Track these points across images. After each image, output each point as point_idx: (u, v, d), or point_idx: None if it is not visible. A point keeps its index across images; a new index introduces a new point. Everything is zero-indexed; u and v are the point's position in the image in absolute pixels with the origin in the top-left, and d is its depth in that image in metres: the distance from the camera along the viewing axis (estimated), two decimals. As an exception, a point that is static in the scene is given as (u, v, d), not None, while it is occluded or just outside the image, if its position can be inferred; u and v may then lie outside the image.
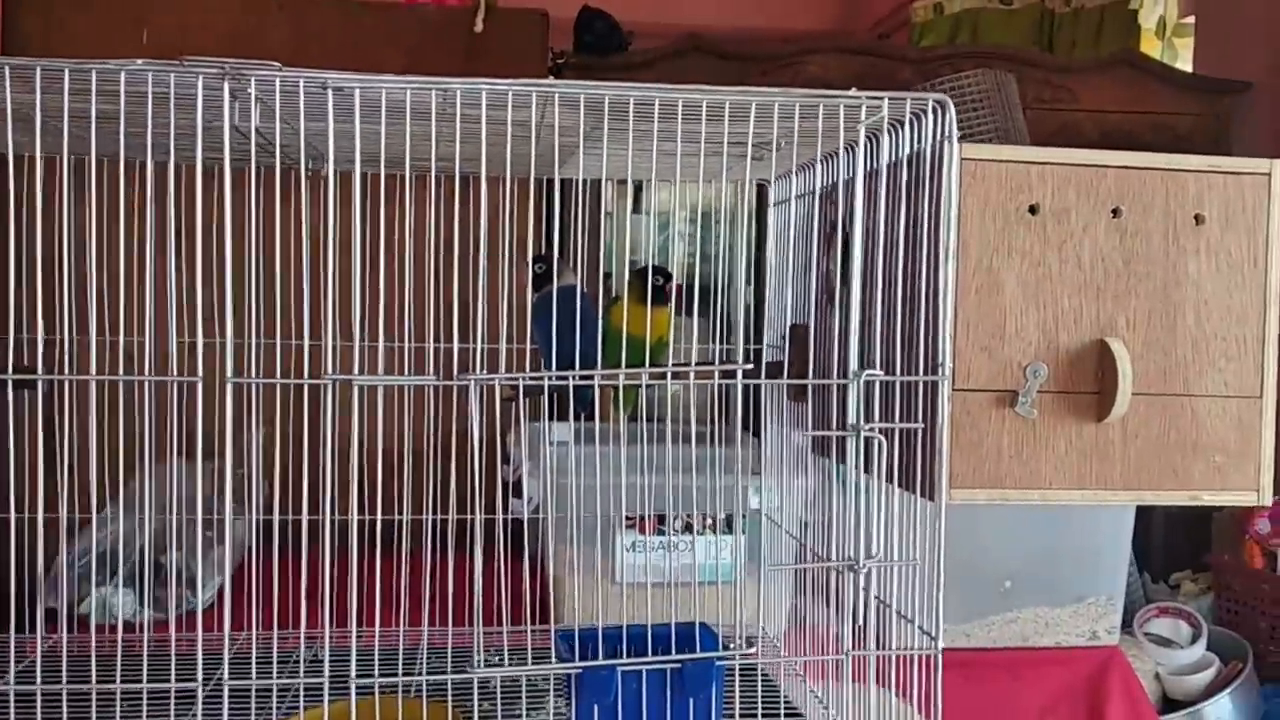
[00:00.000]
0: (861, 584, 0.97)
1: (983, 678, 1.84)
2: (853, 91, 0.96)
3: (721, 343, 1.76)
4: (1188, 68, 3.01)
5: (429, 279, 1.09)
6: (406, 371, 0.98)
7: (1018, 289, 1.01)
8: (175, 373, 0.93)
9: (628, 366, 1.24)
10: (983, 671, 1.84)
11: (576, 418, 1.71)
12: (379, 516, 1.33)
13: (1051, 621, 1.87)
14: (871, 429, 0.96)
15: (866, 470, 0.97)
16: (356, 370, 0.92)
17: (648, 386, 1.20)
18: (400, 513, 1.34)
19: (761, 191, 1.53)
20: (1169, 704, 2.09)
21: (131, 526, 1.65)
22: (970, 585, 1.82)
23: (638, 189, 2.63)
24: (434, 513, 1.29)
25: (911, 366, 0.99)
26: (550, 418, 1.84)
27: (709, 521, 1.74)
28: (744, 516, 1.71)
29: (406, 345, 1.01)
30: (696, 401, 1.64)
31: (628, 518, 1.75)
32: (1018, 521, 1.86)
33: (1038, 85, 2.62)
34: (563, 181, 1.76)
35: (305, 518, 1.17)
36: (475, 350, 1.07)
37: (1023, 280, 1.01)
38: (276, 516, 1.29)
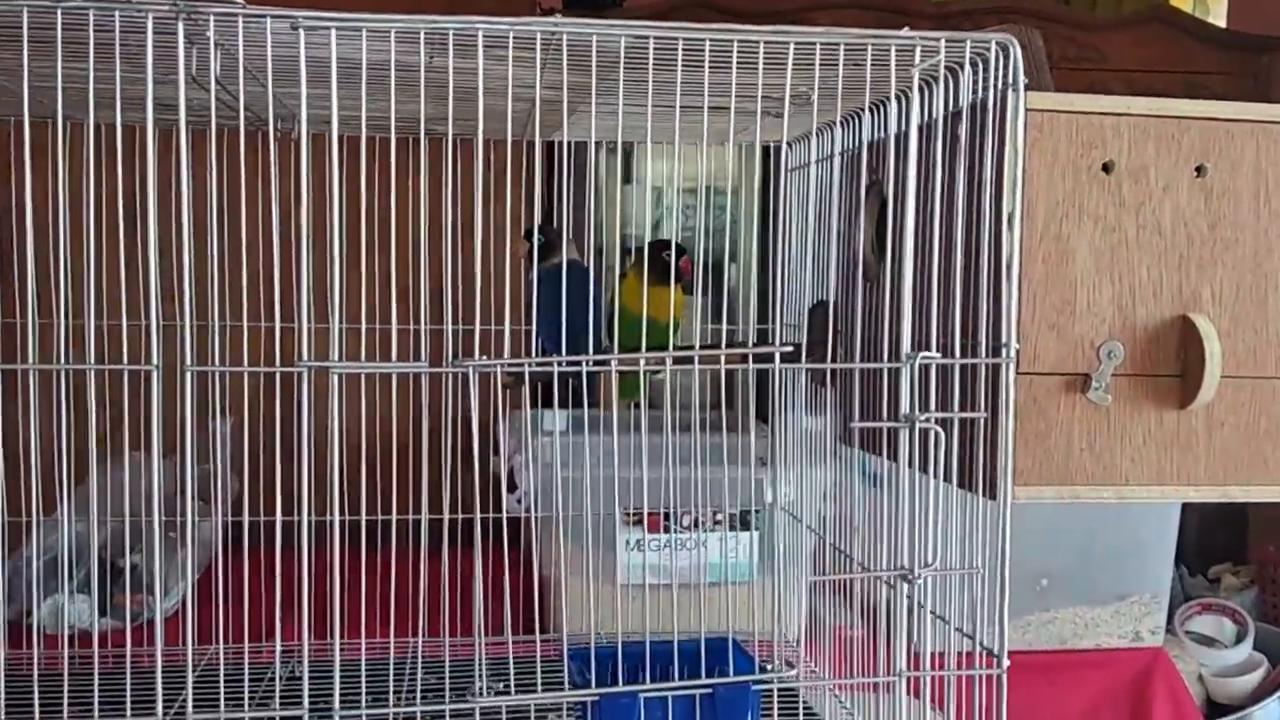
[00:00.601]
0: (917, 596, 0.88)
1: (1017, 682, 1.75)
2: (906, 31, 0.86)
3: (723, 323, 1.67)
4: (1221, 24, 2.92)
5: (413, 253, 1.00)
6: (392, 357, 0.89)
7: (1090, 258, 0.92)
8: (128, 359, 0.84)
9: (638, 350, 1.15)
10: (1017, 676, 1.75)
11: (579, 405, 1.62)
12: (362, 517, 1.23)
13: (1091, 622, 1.78)
14: (928, 419, 0.87)
15: (921, 467, 0.88)
16: (335, 356, 0.82)
17: (649, 371, 1.11)
18: (385, 511, 1.24)
19: (768, 156, 1.44)
20: (1213, 708, 2.01)
21: (86, 528, 1.56)
22: (1004, 583, 1.73)
23: (626, 156, 2.53)
24: (423, 511, 1.20)
25: (970, 348, 0.90)
26: (542, 404, 1.76)
27: (718, 517, 1.65)
28: (757, 511, 1.62)
29: (392, 328, 0.91)
30: (699, 386, 1.55)
31: (629, 513, 1.66)
32: (1053, 514, 1.77)
33: (1062, 43, 2.52)
34: (545, 149, 1.67)
35: (279, 518, 1.08)
36: (458, 333, 0.98)
37: (1095, 248, 0.92)
38: (246, 518, 1.20)
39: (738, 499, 1.56)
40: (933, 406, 0.87)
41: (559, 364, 0.85)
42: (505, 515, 1.58)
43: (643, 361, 0.89)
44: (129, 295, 0.84)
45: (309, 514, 0.94)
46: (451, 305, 0.85)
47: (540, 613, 1.57)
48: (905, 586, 0.88)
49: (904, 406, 0.87)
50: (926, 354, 0.86)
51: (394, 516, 1.29)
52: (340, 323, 0.82)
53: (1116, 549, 1.79)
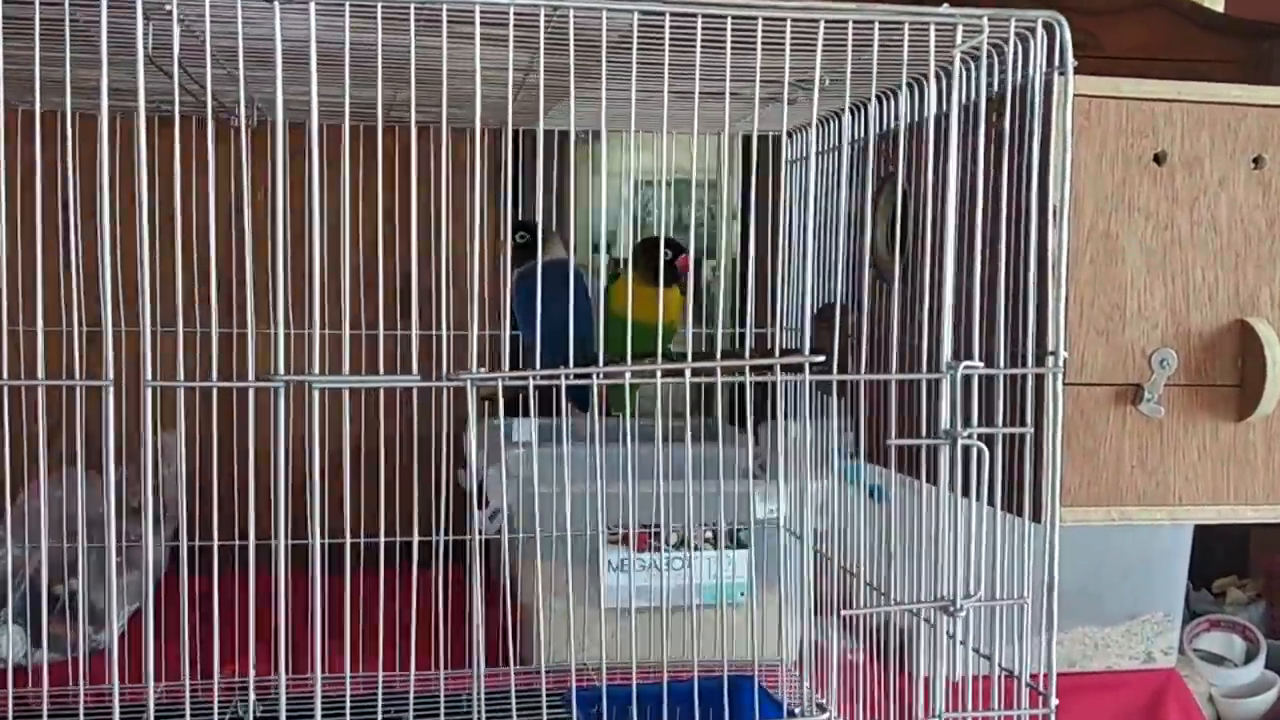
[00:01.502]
0: (960, 631, 0.84)
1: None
2: (945, 9, 0.82)
3: (702, 325, 1.62)
4: (1219, 8, 2.91)
5: (394, 254, 0.94)
6: (379, 368, 0.83)
7: (1140, 257, 0.88)
8: (80, 374, 0.77)
9: (634, 357, 1.10)
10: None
11: (547, 414, 1.57)
12: (324, 539, 1.17)
13: (1101, 642, 1.75)
14: (970, 436, 0.82)
15: (964, 488, 0.84)
16: (314, 368, 0.77)
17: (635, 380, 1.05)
18: (361, 533, 1.18)
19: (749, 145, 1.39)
20: (1225, 730, 1.99)
21: (21, 551, 1.49)
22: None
23: (593, 146, 2.48)
24: (414, 532, 1.14)
25: (1013, 356, 0.85)
26: (506, 413, 1.70)
27: (707, 535, 1.60)
28: (743, 528, 1.58)
29: (379, 334, 0.86)
30: (676, 394, 1.50)
31: (613, 531, 1.61)
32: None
33: (1056, 28, 2.50)
34: (515, 141, 1.61)
35: (241, 543, 1.02)
36: (448, 339, 0.93)
37: (1146, 247, 0.88)
38: (216, 542, 1.13)
39: (731, 514, 1.52)
40: (975, 420, 0.83)
41: (565, 376, 0.80)
42: (481, 536, 1.52)
43: (659, 375, 0.84)
44: (74, 301, 0.78)
45: (285, 538, 0.88)
46: (443, 310, 0.80)
47: (520, 641, 1.52)
48: (945, 620, 0.83)
49: (944, 421, 0.82)
50: (969, 363, 0.82)
51: (357, 539, 1.23)
52: (317, 329, 0.76)
53: (1126, 565, 1.76)
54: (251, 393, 0.77)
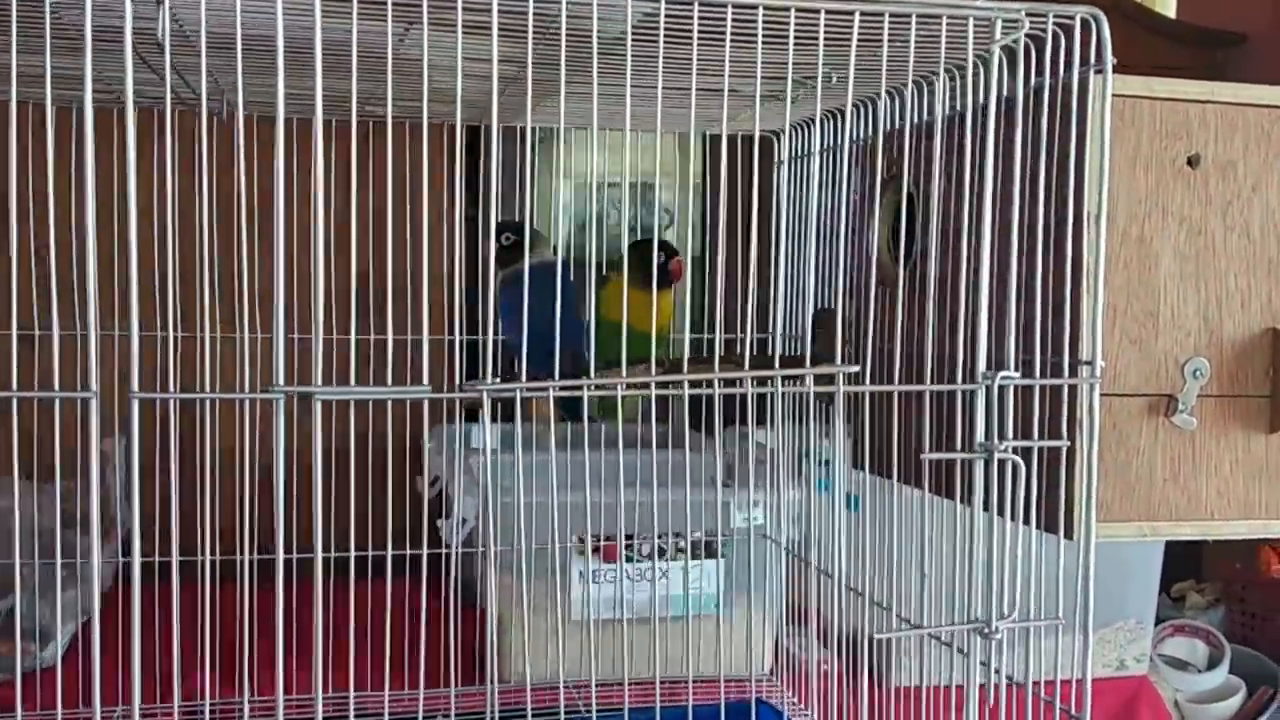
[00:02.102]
0: (994, 654, 0.80)
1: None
2: (982, 1, 0.78)
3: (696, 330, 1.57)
4: (1170, 15, 2.92)
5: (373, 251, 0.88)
6: (388, 378, 0.77)
7: (1174, 264, 0.84)
8: (59, 384, 0.71)
9: (632, 362, 1.05)
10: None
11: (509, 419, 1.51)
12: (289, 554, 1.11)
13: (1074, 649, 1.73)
14: (1006, 449, 0.78)
15: (991, 504, 0.80)
16: (319, 380, 0.71)
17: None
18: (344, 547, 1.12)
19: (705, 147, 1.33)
20: (1190, 736, 1.98)
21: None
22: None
23: (548, 145, 2.41)
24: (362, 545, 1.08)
25: (1046, 365, 0.82)
26: (465, 418, 1.64)
27: (680, 545, 1.55)
28: (722, 538, 1.53)
29: (388, 339, 0.79)
30: (643, 399, 1.44)
31: (583, 540, 1.55)
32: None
33: (1013, 33, 2.49)
34: (471, 138, 1.55)
35: (218, 557, 0.96)
36: (453, 345, 0.87)
37: (1179, 253, 0.84)
38: (204, 557, 1.06)
39: (703, 523, 1.47)
40: (1011, 434, 0.79)
41: (589, 387, 0.74)
42: (448, 546, 1.46)
43: (686, 384, 0.79)
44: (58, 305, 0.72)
45: (281, 553, 0.82)
46: (452, 315, 0.74)
47: (490, 655, 1.46)
48: (980, 643, 0.79)
49: (979, 434, 0.78)
50: (1007, 374, 0.78)
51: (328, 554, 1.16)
52: (319, 336, 0.70)
53: (1099, 570, 1.74)
54: (284, 401, 0.71)
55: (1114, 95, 0.82)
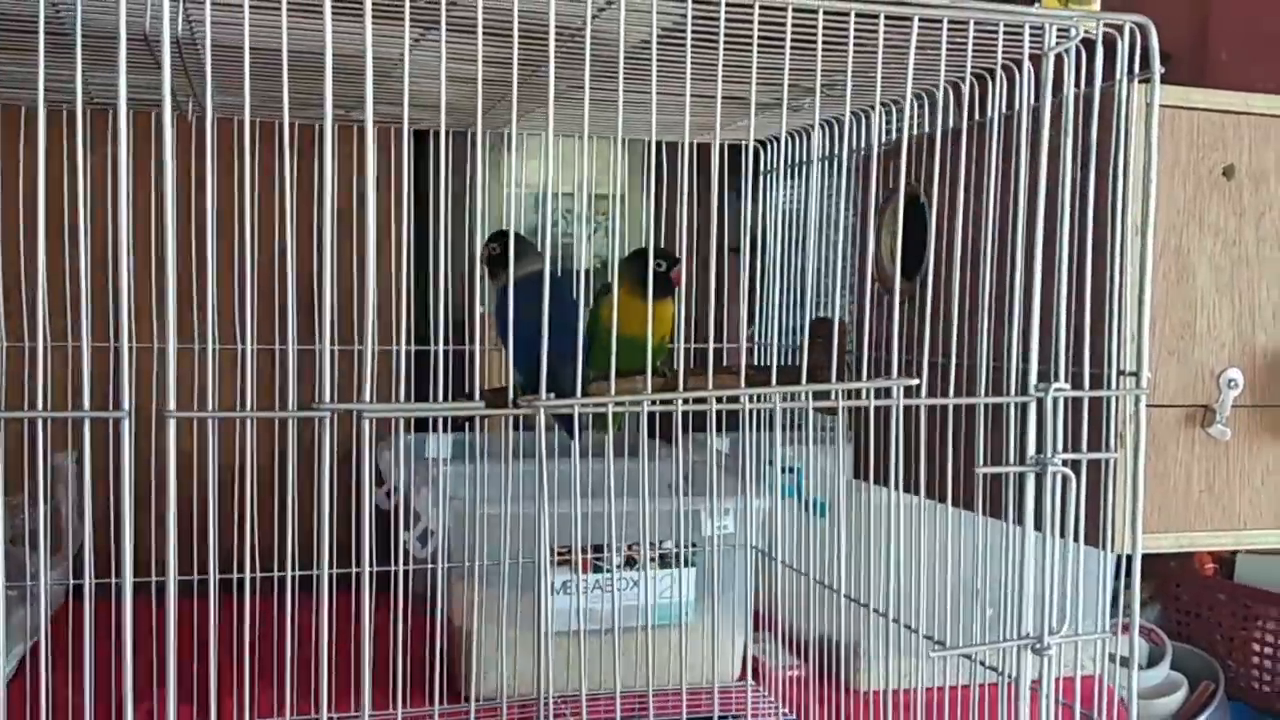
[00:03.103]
0: (1046, 670, 0.78)
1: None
2: (1038, 8, 0.75)
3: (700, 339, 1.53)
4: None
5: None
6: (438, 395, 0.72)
7: (1210, 275, 0.83)
8: (89, 403, 0.65)
9: (624, 374, 1.01)
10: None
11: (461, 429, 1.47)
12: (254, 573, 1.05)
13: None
14: (1057, 462, 0.76)
15: (1009, 515, 0.77)
16: (369, 396, 0.66)
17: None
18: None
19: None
20: (1134, 732, 1.99)
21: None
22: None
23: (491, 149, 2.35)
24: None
25: (1081, 377, 0.80)
26: (416, 428, 1.58)
27: (652, 554, 1.52)
28: (693, 547, 1.50)
29: (445, 351, 0.75)
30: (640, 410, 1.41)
31: (556, 551, 1.51)
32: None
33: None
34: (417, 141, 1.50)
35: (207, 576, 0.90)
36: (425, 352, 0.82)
37: (1215, 264, 0.83)
38: (195, 576, 1.00)
39: (671, 532, 1.44)
40: (1060, 446, 0.77)
41: (650, 402, 0.70)
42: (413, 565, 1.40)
43: (744, 398, 0.75)
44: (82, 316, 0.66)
45: (294, 570, 0.77)
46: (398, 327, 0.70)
47: (450, 670, 1.41)
48: (1031, 659, 0.77)
49: (1030, 447, 0.76)
50: (1059, 386, 0.76)
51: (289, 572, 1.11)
52: (370, 348, 0.65)
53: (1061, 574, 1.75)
54: (330, 419, 0.65)
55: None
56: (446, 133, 1.10)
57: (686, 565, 1.50)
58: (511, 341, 0.93)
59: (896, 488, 1.01)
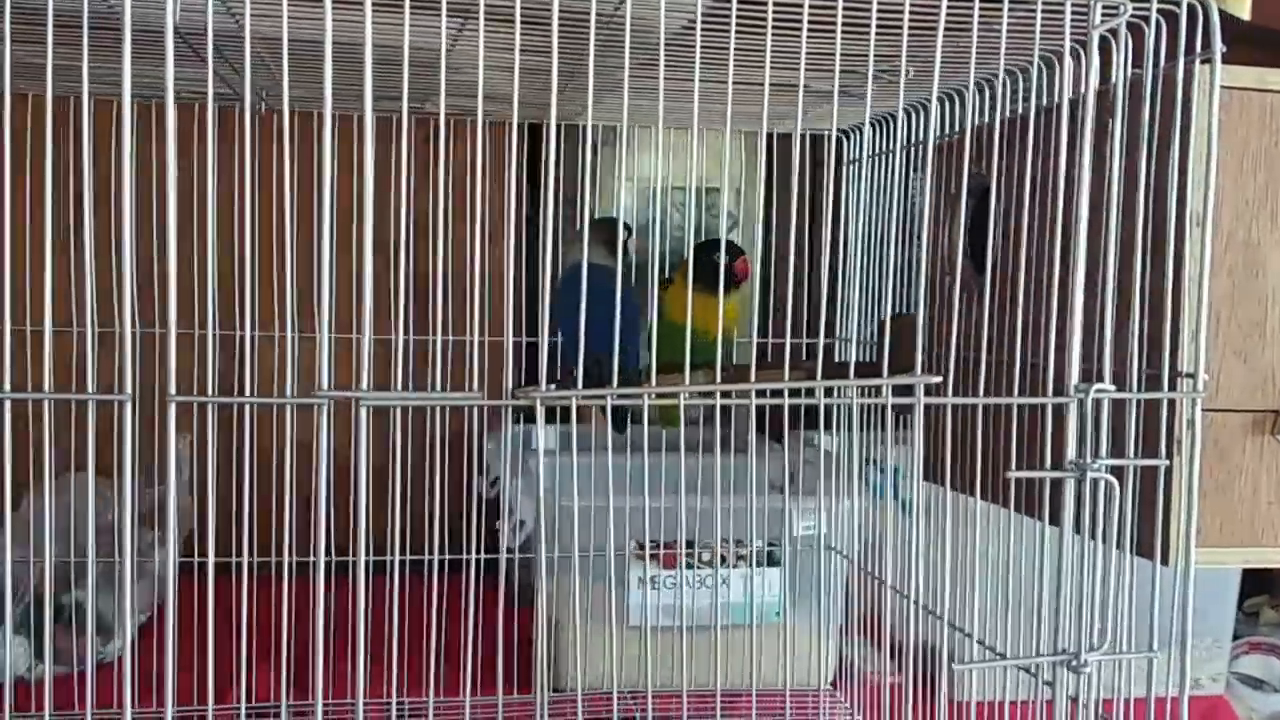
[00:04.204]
0: (1084, 688, 0.72)
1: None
2: (1081, -15, 0.70)
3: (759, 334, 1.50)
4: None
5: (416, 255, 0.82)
6: (431, 382, 0.71)
7: (1283, 270, 0.76)
8: (92, 381, 0.65)
9: (692, 368, 0.98)
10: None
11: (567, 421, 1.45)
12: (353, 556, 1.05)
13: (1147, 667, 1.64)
14: (1100, 468, 0.70)
15: (1078, 525, 0.72)
16: (366, 384, 0.65)
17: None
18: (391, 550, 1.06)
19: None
20: (1265, 757, 1.87)
21: (25, 559, 1.37)
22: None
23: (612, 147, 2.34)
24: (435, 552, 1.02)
25: (1141, 378, 0.74)
26: (525, 419, 1.57)
27: (740, 552, 1.48)
28: (780, 545, 1.46)
29: (443, 342, 0.74)
30: (703, 406, 1.38)
31: (641, 546, 1.49)
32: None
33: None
34: (533, 137, 1.49)
35: (289, 558, 0.91)
36: (465, 348, 0.80)
37: (1290, 258, 0.76)
38: (277, 558, 1.01)
39: (764, 530, 1.40)
40: (1104, 451, 0.71)
41: (649, 395, 0.68)
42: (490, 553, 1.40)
43: (771, 393, 0.72)
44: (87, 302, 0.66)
45: (325, 555, 0.77)
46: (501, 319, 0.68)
47: (547, 660, 1.40)
48: (1068, 676, 0.72)
49: (1071, 451, 0.71)
50: (1102, 386, 0.70)
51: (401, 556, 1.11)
52: (368, 338, 0.64)
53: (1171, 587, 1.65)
54: (328, 407, 0.65)
55: (1222, 87, 0.75)
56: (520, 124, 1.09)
57: (769, 565, 1.47)
58: (561, 333, 0.91)
59: (956, 488, 0.96)
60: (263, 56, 0.84)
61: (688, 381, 0.70)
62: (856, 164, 1.23)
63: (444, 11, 0.69)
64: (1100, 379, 0.71)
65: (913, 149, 1.09)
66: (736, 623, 1.42)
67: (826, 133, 1.10)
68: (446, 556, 0.96)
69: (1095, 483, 0.70)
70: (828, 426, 1.23)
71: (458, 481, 1.17)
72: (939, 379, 0.69)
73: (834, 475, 1.26)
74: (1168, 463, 0.72)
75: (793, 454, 1.38)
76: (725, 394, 0.90)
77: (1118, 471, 0.72)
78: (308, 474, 0.66)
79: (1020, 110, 0.86)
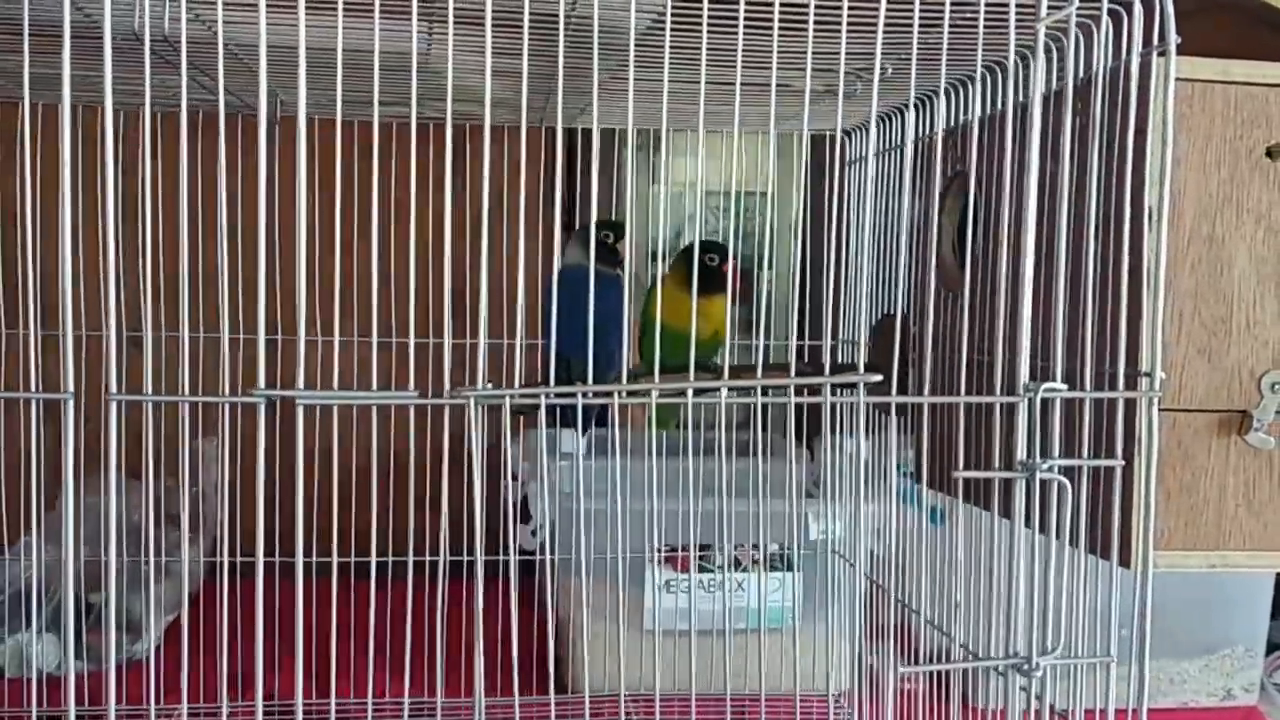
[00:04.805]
0: (1035, 691, 0.70)
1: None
2: (1027, -22, 0.69)
3: (752, 337, 1.49)
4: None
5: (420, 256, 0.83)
6: (372, 382, 0.71)
7: (1250, 266, 0.74)
8: (42, 383, 0.67)
9: (675, 369, 0.98)
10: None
11: (601, 425, 1.45)
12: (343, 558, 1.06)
13: (1176, 677, 1.60)
14: (1051, 468, 0.69)
15: (1041, 527, 0.70)
16: (301, 384, 0.65)
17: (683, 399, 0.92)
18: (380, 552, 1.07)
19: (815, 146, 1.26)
20: (1305, 770, 1.82)
21: (55, 559, 1.40)
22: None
23: (650, 151, 2.34)
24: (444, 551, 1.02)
25: (1100, 377, 0.72)
26: (557, 425, 1.58)
27: (755, 556, 1.47)
28: (804, 551, 1.45)
29: (396, 342, 0.74)
30: (729, 407, 1.36)
31: (658, 550, 1.48)
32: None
33: (1129, 34, 2.34)
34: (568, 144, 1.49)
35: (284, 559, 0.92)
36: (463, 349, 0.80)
37: (1256, 254, 0.74)
38: (265, 559, 1.03)
39: (779, 535, 1.39)
40: (1056, 451, 0.69)
41: (585, 395, 0.67)
42: (516, 554, 1.40)
43: (690, 392, 0.72)
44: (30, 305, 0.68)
45: (268, 555, 0.77)
46: (443, 315, 0.69)
47: (556, 664, 1.40)
48: (1019, 679, 0.70)
49: (1020, 451, 0.69)
50: (1051, 385, 0.69)
51: (397, 558, 1.12)
52: (302, 337, 0.65)
53: (1202, 595, 1.61)
54: (264, 405, 0.66)
55: (1183, 80, 0.73)
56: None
57: (776, 570, 1.46)
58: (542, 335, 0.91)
59: (936, 488, 0.95)
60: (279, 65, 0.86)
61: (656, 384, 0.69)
62: (860, 163, 1.22)
63: (450, 16, 0.69)
64: (1052, 377, 0.69)
65: (886, 153, 1.08)
66: (751, 628, 1.42)
67: (827, 133, 1.10)
68: (447, 558, 0.96)
69: (1047, 483, 0.69)
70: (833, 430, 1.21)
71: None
72: (879, 378, 0.68)
73: (850, 481, 1.25)
74: (1123, 463, 0.70)
75: (815, 462, 1.36)
76: (701, 394, 0.90)
77: (1073, 472, 0.70)
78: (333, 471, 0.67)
79: (990, 109, 0.85)
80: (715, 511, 0.99)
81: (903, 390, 0.90)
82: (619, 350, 1.10)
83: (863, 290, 1.12)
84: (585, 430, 0.88)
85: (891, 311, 1.10)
